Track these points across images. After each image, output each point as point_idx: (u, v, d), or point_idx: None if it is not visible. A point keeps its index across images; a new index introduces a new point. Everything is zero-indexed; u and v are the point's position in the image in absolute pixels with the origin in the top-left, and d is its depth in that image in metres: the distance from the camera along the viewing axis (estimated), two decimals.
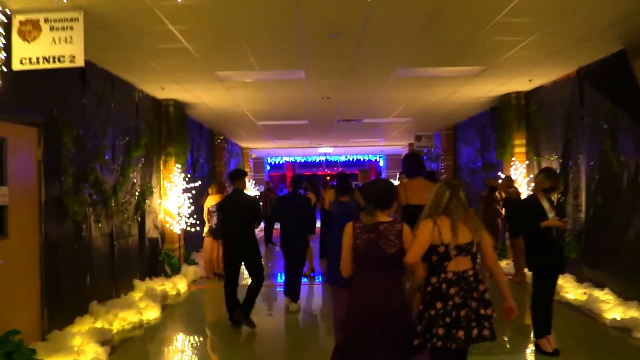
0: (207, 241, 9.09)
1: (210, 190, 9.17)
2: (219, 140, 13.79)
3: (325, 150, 21.28)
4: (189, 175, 9.74)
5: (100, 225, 6.41)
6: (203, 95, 8.93)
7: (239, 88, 8.33)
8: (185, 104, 9.48)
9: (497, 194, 8.83)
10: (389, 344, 3.08)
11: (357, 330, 3.15)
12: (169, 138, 9.06)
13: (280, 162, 26.41)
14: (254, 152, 20.10)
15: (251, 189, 18.96)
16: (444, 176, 13.99)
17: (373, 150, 22.79)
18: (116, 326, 5.86)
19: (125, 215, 7.24)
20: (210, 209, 8.96)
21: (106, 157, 6.65)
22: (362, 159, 26.82)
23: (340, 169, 28.58)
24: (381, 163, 26.72)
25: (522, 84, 8.42)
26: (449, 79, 7.96)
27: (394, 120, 12.53)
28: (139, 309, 6.29)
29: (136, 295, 6.98)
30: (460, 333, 3.04)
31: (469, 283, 3.12)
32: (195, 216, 9.26)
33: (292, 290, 6.91)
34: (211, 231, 8.93)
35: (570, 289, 7.01)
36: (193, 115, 10.99)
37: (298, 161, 26.12)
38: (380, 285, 3.14)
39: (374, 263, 3.15)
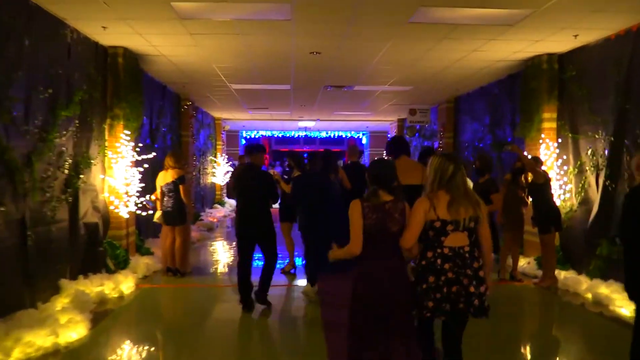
0: (164, 231, 7.30)
1: (166, 164, 7.26)
2: (185, 107, 11.84)
3: (306, 124, 19.46)
4: (140, 145, 7.86)
5: (2, 209, 4.56)
6: (162, 44, 7.02)
7: (207, 33, 6.46)
8: (139, 55, 7.56)
9: (522, 178, 7.23)
10: (398, 326, 3.11)
11: (367, 313, 3.13)
12: (116, 97, 7.15)
13: (257, 137, 24.46)
14: (227, 124, 18.16)
15: (223, 164, 17.12)
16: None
17: (357, 126, 21.07)
18: (17, 356, 4.07)
19: (48, 195, 5.39)
20: (164, 187, 7.14)
21: (14, 114, 4.76)
22: (344, 136, 25.07)
23: (320, 149, 26.82)
24: (364, 140, 25.06)
25: (561, 42, 6.77)
26: (476, 28, 6.24)
27: (389, 88, 10.80)
28: (55, 327, 4.49)
29: (60, 303, 5.18)
30: (447, 306, 3.08)
31: (464, 259, 3.11)
32: (150, 195, 7.42)
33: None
34: (165, 216, 7.12)
35: None
36: (152, 73, 9.05)
37: (275, 136, 24.25)
38: (387, 264, 3.16)
39: (381, 243, 3.15)
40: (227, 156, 18.02)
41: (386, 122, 18.38)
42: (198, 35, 6.52)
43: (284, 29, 6.26)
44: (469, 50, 7.39)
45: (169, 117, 10.73)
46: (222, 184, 16.93)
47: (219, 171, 16.70)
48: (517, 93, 8.54)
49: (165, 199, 7.09)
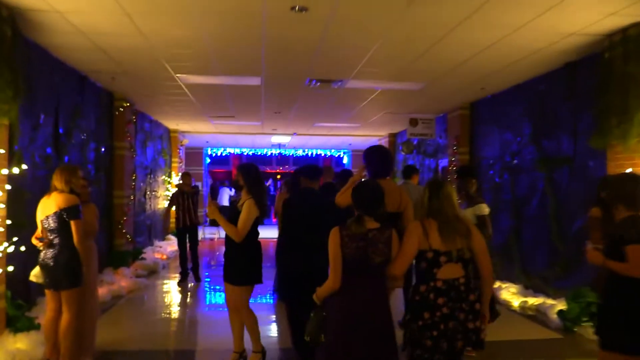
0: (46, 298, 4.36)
1: (51, 184, 4.33)
2: (121, 109, 8.94)
3: (280, 140, 16.68)
4: (36, 157, 4.93)
5: None
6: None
7: None
8: (24, 13, 4.72)
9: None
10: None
11: (344, 346, 2.89)
12: None
13: (223, 154, 21.53)
14: (186, 137, 15.23)
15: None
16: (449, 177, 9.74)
17: (338, 143, 18.41)
18: None
19: None
20: (43, 223, 4.22)
21: None
22: (323, 154, 22.38)
23: (291, 170, 23.97)
24: (345, 160, 22.41)
25: None
26: None
27: (392, 86, 8.15)
28: None
29: None
30: (445, 344, 2.89)
31: (459, 292, 2.89)
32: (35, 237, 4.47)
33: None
34: (44, 273, 4.18)
35: None
36: (57, 51, 6.19)
37: (245, 154, 21.38)
38: (367, 296, 2.93)
39: (361, 273, 2.93)
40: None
41: (374, 138, 15.73)
42: None
43: None
44: (521, 23, 4.86)
45: (92, 121, 7.81)
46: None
47: None
48: (584, 86, 5.99)
49: (51, 241, 4.18)
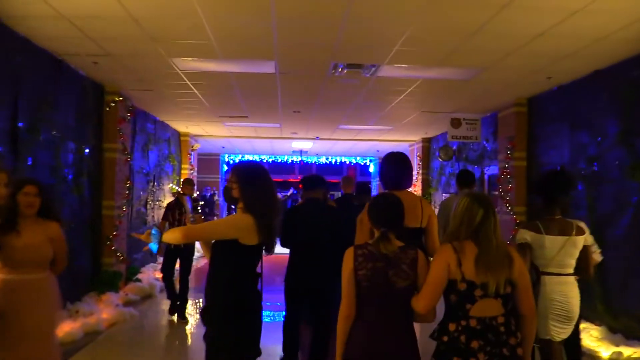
0: None
1: None
2: (112, 105, 7.60)
3: (301, 146, 15.25)
4: None
5: None
6: None
7: None
8: None
9: None
10: None
11: None
12: None
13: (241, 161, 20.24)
14: (197, 142, 13.90)
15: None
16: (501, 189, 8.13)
17: (364, 149, 16.90)
18: None
19: None
20: None
21: None
22: (347, 162, 20.88)
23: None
24: (372, 169, 20.86)
25: None
26: None
27: (435, 76, 6.63)
28: None
29: None
30: None
31: (498, 334, 2.36)
32: None
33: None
34: None
35: None
36: (18, 25, 4.85)
37: (264, 160, 20.03)
38: (387, 329, 2.42)
39: (380, 300, 2.44)
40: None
41: (405, 143, 14.18)
42: None
43: None
44: None
45: (70, 116, 6.47)
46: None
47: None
48: None
49: None
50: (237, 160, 20.07)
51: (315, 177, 4.75)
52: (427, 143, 13.12)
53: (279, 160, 19.81)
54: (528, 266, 3.41)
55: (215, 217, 17.98)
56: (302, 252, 4.41)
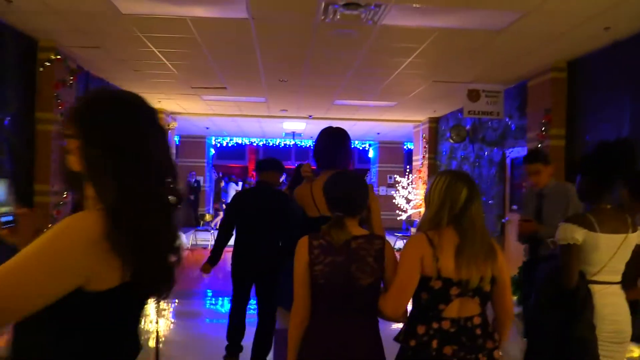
0: None
1: None
2: (47, 64, 6.02)
3: (294, 127, 13.66)
4: None
5: None
6: None
7: None
8: None
9: None
10: None
11: None
12: None
13: (232, 145, 18.60)
14: (175, 120, 12.28)
15: None
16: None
17: (364, 132, 15.35)
18: None
19: None
20: None
21: None
22: None
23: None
24: (371, 153, 19.32)
25: None
26: None
27: (458, 25, 5.07)
28: None
29: None
30: None
31: (473, 338, 2.04)
32: None
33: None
34: None
35: None
36: None
37: (254, 144, 18.41)
38: (348, 334, 2.06)
39: (341, 300, 2.07)
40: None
41: (409, 124, 12.62)
42: None
43: None
44: None
45: None
46: None
47: None
48: None
49: None
50: (226, 144, 18.53)
51: (269, 160, 4.65)
52: (435, 124, 11.56)
53: (271, 144, 18.25)
54: (575, 276, 2.60)
55: (199, 210, 16.48)
56: (244, 235, 4.34)
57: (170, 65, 7.09)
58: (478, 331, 2.06)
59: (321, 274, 2.06)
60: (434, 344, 2.02)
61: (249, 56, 6.48)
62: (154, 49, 6.28)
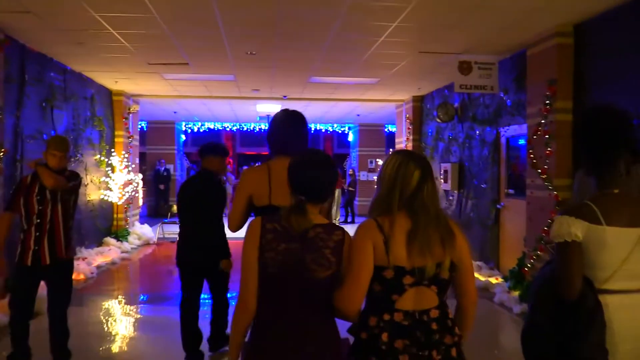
0: None
1: None
2: None
3: (268, 109, 12.70)
4: None
5: None
6: None
7: None
8: None
9: None
10: None
11: None
12: None
13: (202, 130, 17.59)
14: (138, 103, 11.23)
15: (125, 172, 10.31)
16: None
17: (343, 114, 14.53)
18: None
19: None
20: None
21: None
22: (322, 129, 18.48)
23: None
24: (350, 137, 18.52)
25: None
26: None
27: None
28: None
29: None
30: None
31: (429, 333, 1.88)
32: None
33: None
34: None
35: None
36: None
37: (228, 129, 17.41)
38: (301, 331, 1.89)
39: (293, 293, 1.90)
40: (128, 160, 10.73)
41: (391, 103, 11.80)
42: None
43: None
44: None
45: None
46: (121, 202, 10.05)
47: (118, 181, 9.86)
48: None
49: None
50: (197, 130, 17.53)
51: (210, 144, 4.36)
52: (419, 103, 10.77)
53: (245, 129, 17.29)
54: (578, 283, 2.02)
55: (170, 201, 15.54)
56: (186, 229, 4.22)
57: (118, 36, 6.11)
58: (434, 325, 1.89)
59: (272, 262, 1.89)
60: (384, 337, 1.87)
61: (209, 20, 5.55)
62: (95, 14, 5.31)
